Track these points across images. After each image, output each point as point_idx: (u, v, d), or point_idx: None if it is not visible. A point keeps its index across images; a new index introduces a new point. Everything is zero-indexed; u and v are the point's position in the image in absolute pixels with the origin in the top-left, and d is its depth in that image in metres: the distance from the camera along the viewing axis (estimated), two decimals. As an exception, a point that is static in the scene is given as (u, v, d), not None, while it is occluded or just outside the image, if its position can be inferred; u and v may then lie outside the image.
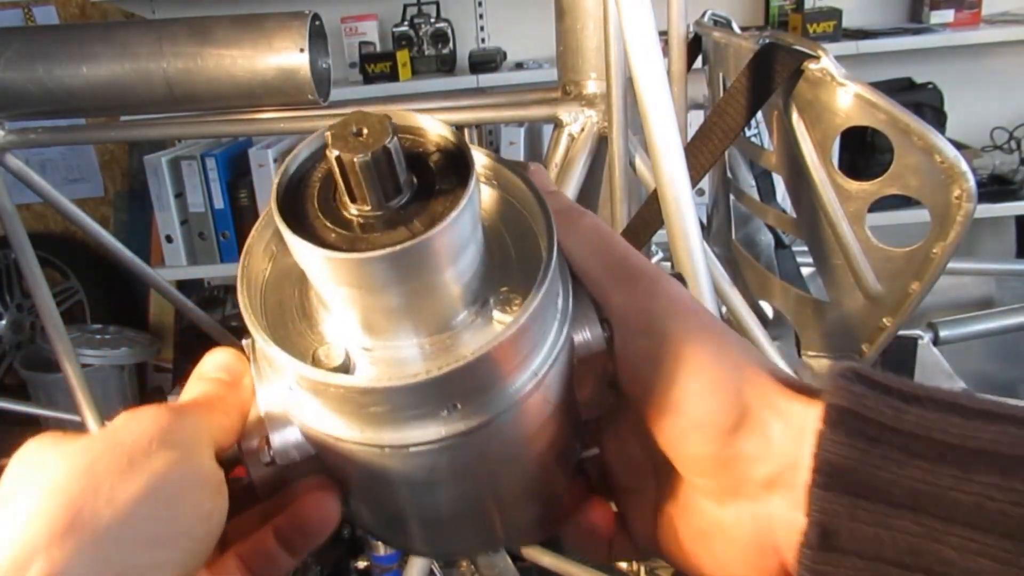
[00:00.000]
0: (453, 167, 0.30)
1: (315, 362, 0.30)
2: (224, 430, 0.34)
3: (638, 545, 0.39)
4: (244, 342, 0.35)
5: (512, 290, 0.31)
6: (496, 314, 0.31)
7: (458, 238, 0.29)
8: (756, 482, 0.32)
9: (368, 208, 0.29)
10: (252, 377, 0.34)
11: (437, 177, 0.30)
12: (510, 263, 0.33)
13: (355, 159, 0.28)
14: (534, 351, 0.31)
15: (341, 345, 0.31)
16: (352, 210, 0.29)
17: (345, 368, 0.30)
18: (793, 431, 0.31)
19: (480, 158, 0.34)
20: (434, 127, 0.31)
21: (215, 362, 0.36)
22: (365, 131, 0.28)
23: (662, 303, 0.34)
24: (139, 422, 0.34)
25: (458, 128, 1.06)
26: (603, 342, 0.34)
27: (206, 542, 0.31)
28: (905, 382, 0.31)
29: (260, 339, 0.30)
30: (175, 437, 0.32)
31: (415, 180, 0.30)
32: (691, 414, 0.32)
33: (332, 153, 0.28)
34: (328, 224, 0.29)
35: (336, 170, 0.28)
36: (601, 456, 0.39)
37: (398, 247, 0.27)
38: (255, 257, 0.34)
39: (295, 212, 0.30)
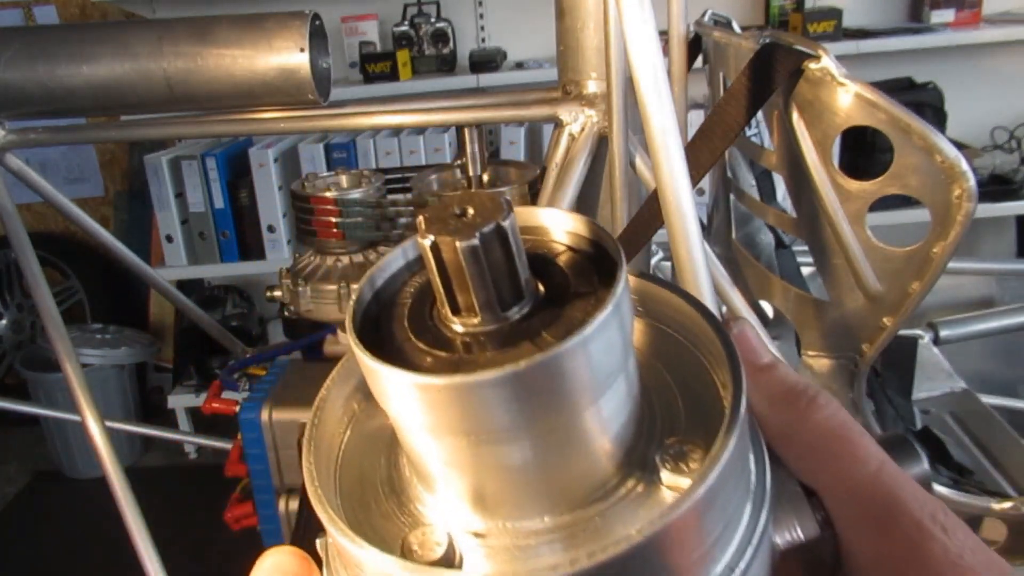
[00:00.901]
0: (591, 265, 0.23)
1: (405, 553, 0.21)
2: None
3: None
4: (318, 541, 0.26)
5: (685, 441, 0.23)
6: (666, 476, 0.22)
7: (605, 357, 0.21)
8: None
9: (477, 320, 0.21)
10: None
11: (571, 279, 0.22)
12: (675, 413, 0.25)
13: (458, 244, 0.20)
14: (725, 534, 0.22)
15: (442, 529, 0.22)
16: (456, 325, 0.22)
17: (448, 561, 0.21)
18: None
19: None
20: (561, 220, 0.24)
21: (270, 568, 0.27)
22: (471, 210, 0.21)
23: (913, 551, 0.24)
24: None
25: (458, 128, 1.06)
26: (816, 529, 0.25)
27: None
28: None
29: (333, 528, 0.22)
30: None
31: (540, 287, 0.22)
32: None
33: (426, 240, 0.21)
34: (424, 346, 0.22)
35: (433, 266, 0.21)
36: None
37: (522, 364, 0.19)
38: (329, 418, 0.26)
39: (379, 337, 0.22)
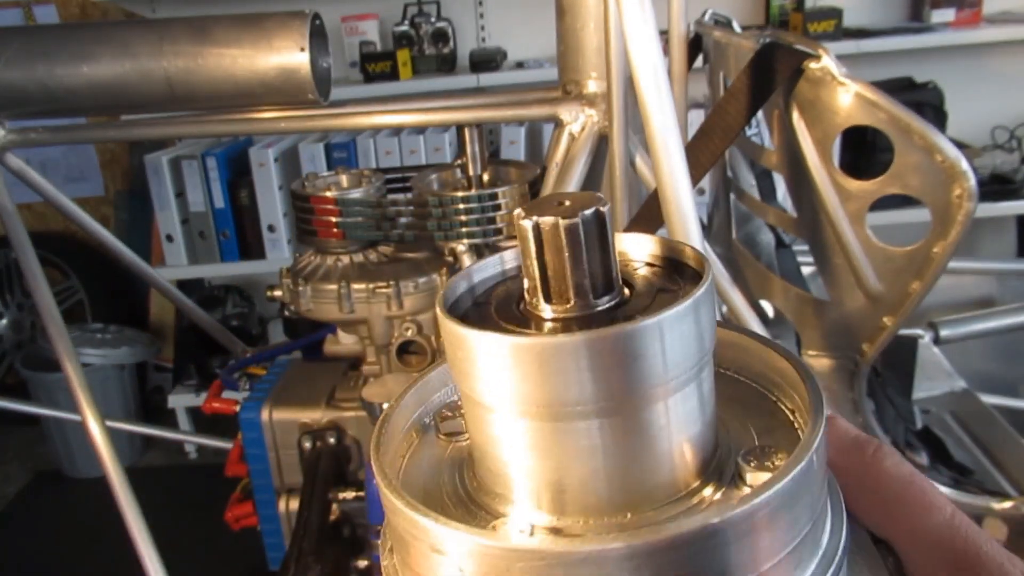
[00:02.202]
0: (675, 272, 0.24)
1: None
2: None
3: None
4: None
5: (768, 446, 0.23)
6: (749, 474, 0.22)
7: (681, 348, 0.21)
8: None
9: (569, 305, 0.22)
10: None
11: (656, 281, 0.24)
12: (748, 440, 0.25)
13: (562, 222, 0.21)
14: (803, 549, 0.21)
15: (524, 520, 0.23)
16: (547, 311, 0.22)
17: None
18: None
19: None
20: (640, 241, 0.25)
21: None
22: (567, 202, 0.22)
23: None
24: None
25: (459, 128, 1.06)
26: None
27: None
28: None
29: (412, 512, 0.21)
30: None
31: (626, 291, 0.23)
32: None
33: (527, 222, 0.22)
34: (513, 327, 0.22)
35: (532, 248, 0.22)
36: None
37: (606, 332, 0.20)
38: (392, 438, 0.26)
39: (468, 322, 0.22)
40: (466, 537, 0.20)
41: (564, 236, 0.22)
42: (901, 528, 0.26)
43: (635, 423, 0.22)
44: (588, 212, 0.21)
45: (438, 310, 0.23)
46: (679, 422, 0.22)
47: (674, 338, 0.21)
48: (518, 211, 0.22)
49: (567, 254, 0.22)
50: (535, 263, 0.22)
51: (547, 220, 0.21)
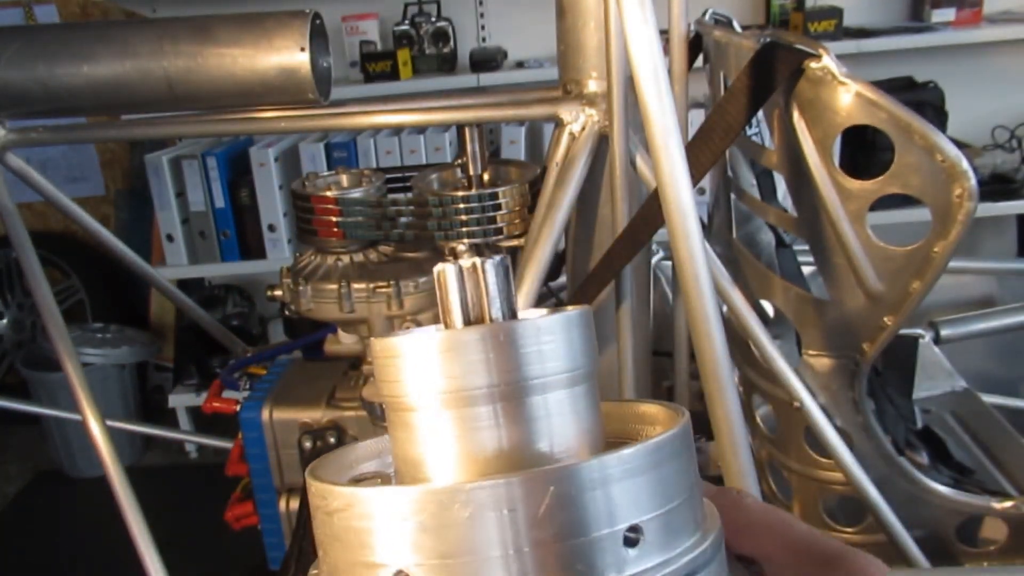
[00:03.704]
0: None
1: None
2: None
3: None
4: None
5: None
6: None
7: (561, 351, 0.26)
8: None
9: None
10: None
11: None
12: None
13: (478, 260, 0.27)
14: (664, 524, 0.24)
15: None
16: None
17: None
18: None
19: None
20: None
21: None
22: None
23: None
24: None
25: (459, 127, 1.06)
26: None
27: None
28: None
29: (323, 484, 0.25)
30: None
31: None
32: None
33: (450, 266, 0.27)
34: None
35: (455, 285, 0.27)
36: None
37: (505, 324, 0.26)
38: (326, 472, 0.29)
39: None
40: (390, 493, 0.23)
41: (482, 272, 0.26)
42: (771, 545, 0.30)
43: (521, 409, 0.25)
44: (497, 257, 0.26)
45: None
46: (559, 415, 0.26)
47: (549, 341, 0.25)
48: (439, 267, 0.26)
49: (484, 286, 0.26)
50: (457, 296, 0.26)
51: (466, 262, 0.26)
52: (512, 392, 0.25)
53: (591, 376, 0.27)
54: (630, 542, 0.23)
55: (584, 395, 0.27)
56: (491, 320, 0.26)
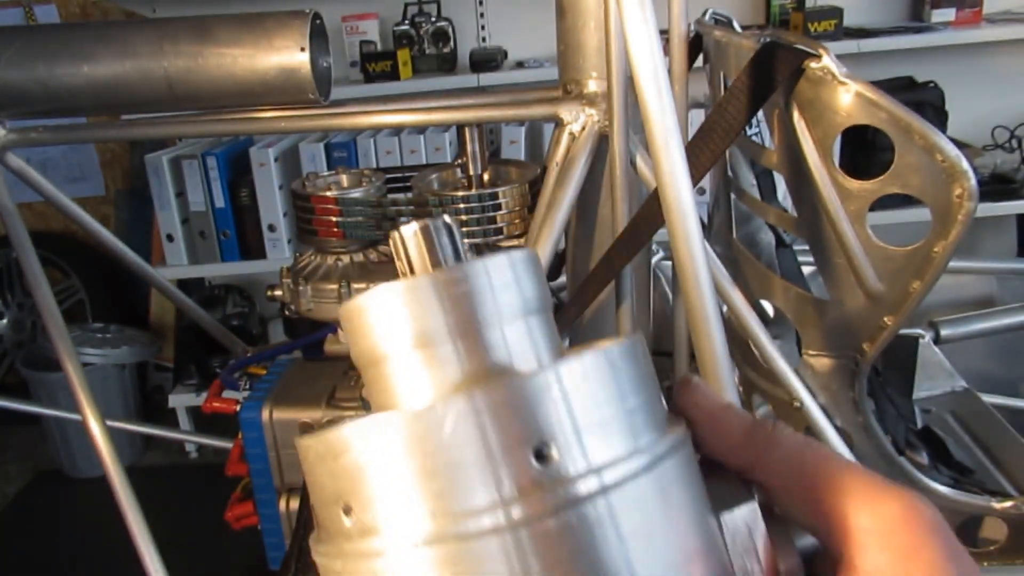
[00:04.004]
0: None
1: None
2: None
3: None
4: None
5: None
6: None
7: (512, 288, 0.28)
8: None
9: None
10: None
11: None
12: None
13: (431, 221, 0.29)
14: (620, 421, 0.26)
15: None
16: None
17: None
18: None
19: None
20: None
21: None
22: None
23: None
24: None
25: (459, 127, 1.06)
26: (746, 492, 0.29)
27: None
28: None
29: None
30: None
31: None
32: None
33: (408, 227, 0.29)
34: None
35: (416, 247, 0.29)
36: None
37: (461, 266, 0.27)
38: None
39: None
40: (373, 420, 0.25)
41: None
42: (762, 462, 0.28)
43: (480, 342, 0.27)
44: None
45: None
46: (517, 344, 0.27)
47: (497, 283, 0.27)
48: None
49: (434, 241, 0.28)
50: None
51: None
52: (470, 328, 0.27)
53: (544, 310, 0.29)
54: (587, 436, 0.25)
55: (539, 325, 0.28)
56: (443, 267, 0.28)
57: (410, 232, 0.28)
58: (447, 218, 0.29)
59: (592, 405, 0.25)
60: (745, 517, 0.28)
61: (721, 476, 0.29)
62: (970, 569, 0.24)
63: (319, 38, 1.00)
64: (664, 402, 0.28)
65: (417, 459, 0.24)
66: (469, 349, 0.26)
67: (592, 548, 0.24)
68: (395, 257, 0.29)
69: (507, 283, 0.27)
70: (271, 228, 2.51)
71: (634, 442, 0.26)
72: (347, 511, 0.26)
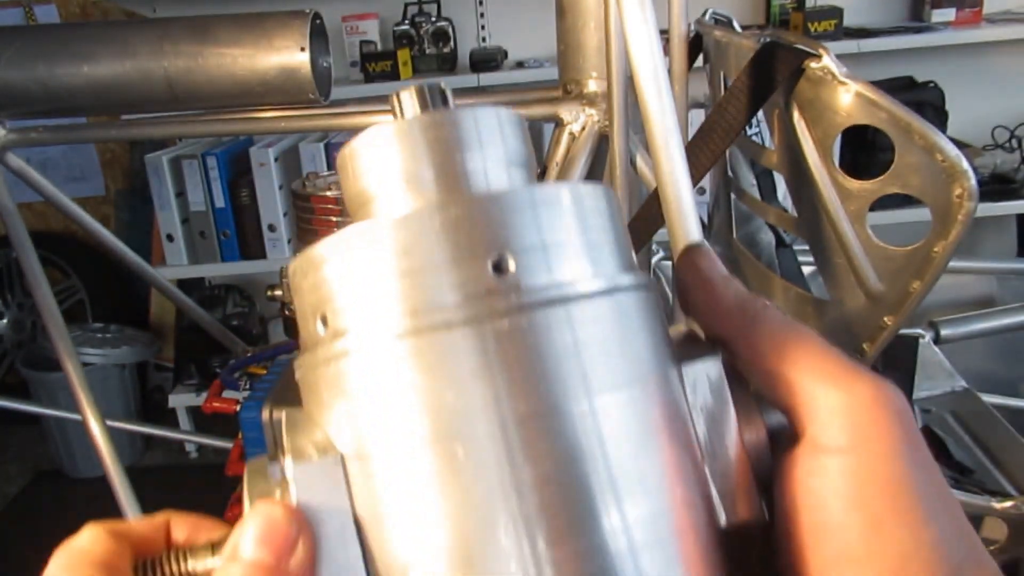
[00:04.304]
0: None
1: None
2: None
3: None
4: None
5: None
6: None
7: (495, 135, 0.30)
8: None
9: None
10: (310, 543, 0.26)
11: None
12: None
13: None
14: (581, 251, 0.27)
15: None
16: None
17: None
18: None
19: None
20: None
21: (256, 533, 0.25)
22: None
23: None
24: None
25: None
26: (708, 347, 0.29)
27: None
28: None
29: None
30: None
31: None
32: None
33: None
34: None
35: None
36: None
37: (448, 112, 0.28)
38: None
39: None
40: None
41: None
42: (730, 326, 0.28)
43: (465, 186, 0.28)
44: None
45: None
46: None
47: (483, 129, 0.28)
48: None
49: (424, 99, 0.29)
50: None
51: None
52: (453, 167, 0.28)
53: (527, 167, 0.30)
54: (549, 253, 0.26)
55: (521, 178, 0.29)
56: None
57: (407, 91, 0.29)
58: (443, 83, 0.29)
59: (557, 228, 0.26)
60: (708, 371, 0.28)
61: (692, 339, 0.30)
62: (925, 462, 0.25)
63: (319, 38, 1.00)
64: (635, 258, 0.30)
65: (383, 263, 0.25)
66: (450, 184, 0.27)
67: (550, 351, 0.25)
68: (392, 115, 0.29)
69: (492, 131, 0.28)
70: (271, 228, 2.51)
71: (594, 268, 0.26)
72: (324, 321, 0.27)
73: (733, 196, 1.13)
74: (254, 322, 2.90)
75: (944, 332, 1.40)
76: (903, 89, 2.46)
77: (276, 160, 2.44)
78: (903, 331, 1.19)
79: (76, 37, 1.00)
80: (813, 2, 2.58)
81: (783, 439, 0.27)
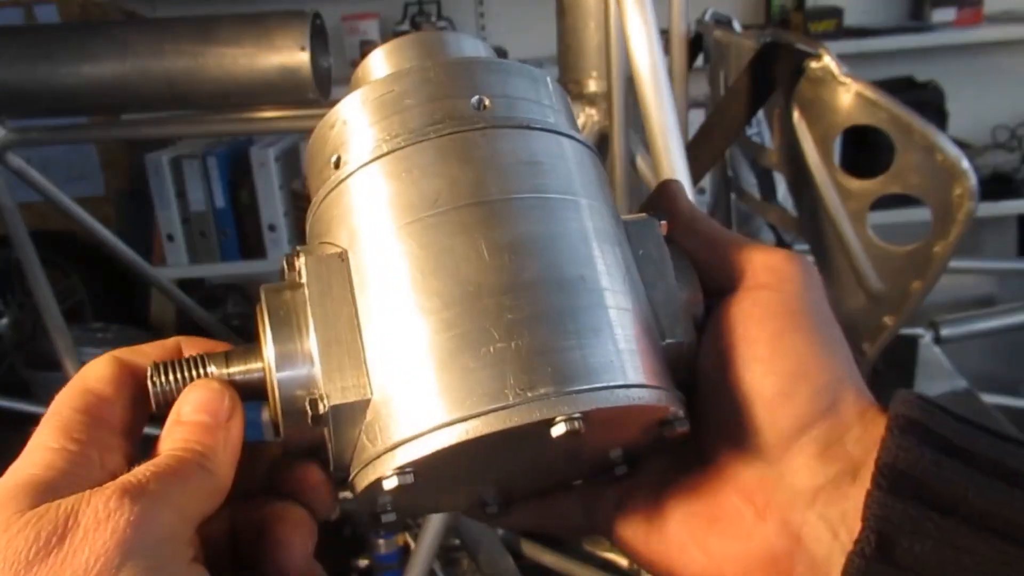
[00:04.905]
0: None
1: None
2: (207, 496, 0.29)
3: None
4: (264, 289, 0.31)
5: None
6: None
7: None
8: (804, 485, 0.29)
9: None
10: (241, 411, 0.30)
11: None
12: None
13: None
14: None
15: None
16: None
17: None
18: (870, 438, 0.29)
19: None
20: None
21: (195, 401, 0.30)
22: None
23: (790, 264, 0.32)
24: (96, 531, 0.25)
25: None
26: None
27: None
28: (965, 415, 0.29)
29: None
30: (143, 547, 0.25)
31: None
32: (782, 380, 0.29)
33: None
34: None
35: None
36: None
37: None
38: None
39: None
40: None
41: None
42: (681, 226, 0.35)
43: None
44: None
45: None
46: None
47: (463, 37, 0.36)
48: None
49: None
50: None
51: None
52: (445, 52, 0.36)
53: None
54: (512, 96, 0.32)
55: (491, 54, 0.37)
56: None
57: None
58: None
59: (526, 87, 0.32)
60: (648, 227, 0.33)
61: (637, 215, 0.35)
62: (821, 299, 0.32)
63: (319, 38, 1.00)
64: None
65: (385, 105, 0.32)
66: (440, 53, 0.37)
67: (508, 155, 0.30)
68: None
69: (471, 40, 0.37)
70: (271, 228, 2.51)
71: (554, 119, 0.32)
72: (336, 163, 0.32)
73: (733, 196, 1.13)
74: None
75: (944, 332, 1.40)
76: (903, 89, 2.45)
77: (276, 160, 2.44)
78: (903, 331, 1.19)
79: (76, 37, 1.00)
80: (813, 2, 2.58)
81: (717, 300, 0.33)
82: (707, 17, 1.17)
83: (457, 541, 1.24)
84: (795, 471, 0.29)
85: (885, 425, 0.28)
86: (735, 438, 0.31)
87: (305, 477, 0.31)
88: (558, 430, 0.26)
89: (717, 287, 0.33)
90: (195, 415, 0.30)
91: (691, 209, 0.35)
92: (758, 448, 0.30)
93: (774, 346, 0.30)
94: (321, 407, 0.28)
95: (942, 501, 0.26)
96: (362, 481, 0.28)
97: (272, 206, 2.48)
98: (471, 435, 0.26)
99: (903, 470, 0.27)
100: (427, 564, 1.02)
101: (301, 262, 0.30)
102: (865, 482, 0.27)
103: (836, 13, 2.46)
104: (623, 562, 1.25)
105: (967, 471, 0.27)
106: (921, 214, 0.76)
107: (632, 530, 0.33)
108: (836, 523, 0.28)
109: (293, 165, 2.51)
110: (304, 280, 0.30)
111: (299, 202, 1.10)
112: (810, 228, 0.88)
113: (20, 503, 0.25)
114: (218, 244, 2.56)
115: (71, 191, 1.63)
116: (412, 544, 1.09)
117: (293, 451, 0.31)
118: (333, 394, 0.28)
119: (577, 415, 0.26)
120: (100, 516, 0.25)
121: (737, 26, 1.14)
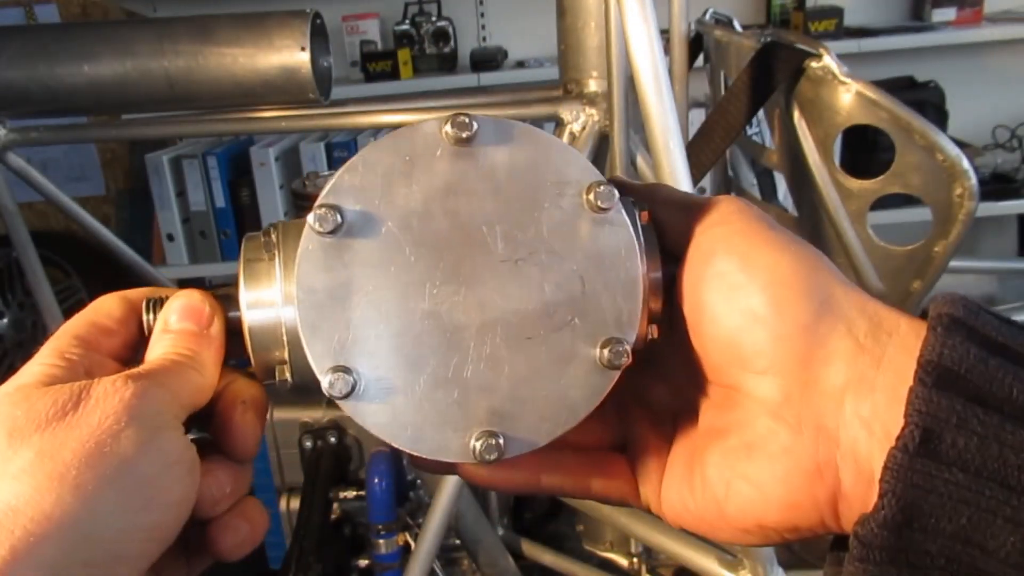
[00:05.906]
0: None
1: None
2: (197, 390, 0.33)
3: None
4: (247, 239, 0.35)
5: None
6: None
7: None
8: (829, 386, 0.29)
9: None
10: (221, 321, 0.35)
11: None
12: None
13: None
14: None
15: None
16: None
17: None
18: (882, 332, 0.29)
19: None
20: None
21: (180, 309, 0.35)
22: None
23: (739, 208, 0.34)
24: (106, 400, 0.29)
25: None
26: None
27: (175, 527, 0.30)
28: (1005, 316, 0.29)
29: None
30: (144, 414, 0.30)
31: None
32: (766, 293, 0.30)
33: None
34: None
35: None
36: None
37: None
38: None
39: None
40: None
41: None
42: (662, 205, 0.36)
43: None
44: None
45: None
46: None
47: None
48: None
49: None
50: None
51: None
52: None
53: None
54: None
55: None
56: None
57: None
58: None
59: None
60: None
61: None
62: (776, 224, 0.33)
63: (319, 38, 1.00)
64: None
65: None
66: None
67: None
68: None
69: None
70: (271, 228, 2.51)
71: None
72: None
73: (733, 196, 1.13)
74: (254, 322, 2.90)
75: (944, 332, 1.40)
76: (903, 89, 2.45)
77: (276, 160, 2.44)
78: (903, 331, 1.19)
79: (76, 37, 1.00)
80: (813, 2, 2.58)
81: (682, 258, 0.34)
82: (707, 17, 1.17)
83: (457, 541, 1.24)
84: (815, 376, 0.29)
85: (929, 323, 0.28)
86: (744, 365, 0.31)
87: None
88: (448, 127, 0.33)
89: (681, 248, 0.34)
90: (181, 323, 0.34)
91: (647, 183, 0.38)
92: (769, 366, 0.30)
93: (745, 268, 0.31)
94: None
95: (988, 398, 0.26)
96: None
97: (272, 206, 2.48)
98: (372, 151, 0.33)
99: (948, 366, 0.27)
100: (427, 564, 1.02)
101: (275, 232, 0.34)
102: (889, 375, 0.28)
103: (836, 13, 2.46)
104: (623, 562, 1.25)
105: (1013, 368, 0.27)
106: (921, 214, 0.76)
107: (676, 490, 0.34)
108: (869, 419, 0.28)
109: (293, 165, 2.51)
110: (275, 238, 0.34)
111: (299, 202, 1.10)
112: (810, 228, 0.88)
113: (30, 388, 0.33)
114: (218, 244, 2.56)
115: (71, 191, 1.63)
116: (412, 544, 1.09)
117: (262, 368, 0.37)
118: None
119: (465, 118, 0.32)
120: (109, 391, 0.30)
121: (737, 26, 1.14)
